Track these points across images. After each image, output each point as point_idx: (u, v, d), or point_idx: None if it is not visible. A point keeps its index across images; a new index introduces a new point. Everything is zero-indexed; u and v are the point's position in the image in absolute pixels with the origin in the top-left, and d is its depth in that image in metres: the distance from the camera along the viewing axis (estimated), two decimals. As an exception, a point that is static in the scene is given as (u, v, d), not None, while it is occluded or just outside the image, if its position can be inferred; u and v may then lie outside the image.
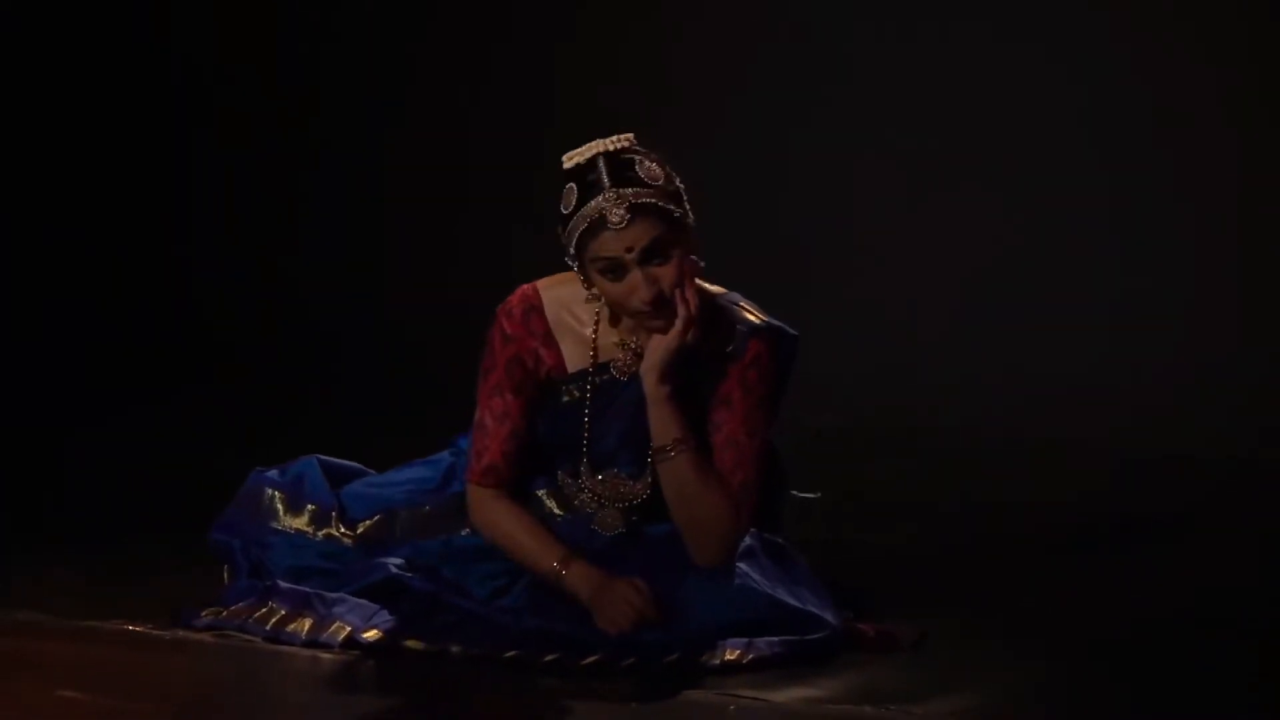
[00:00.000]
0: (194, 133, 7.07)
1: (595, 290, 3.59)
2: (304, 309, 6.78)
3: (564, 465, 3.72)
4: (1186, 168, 5.94)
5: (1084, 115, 6.04)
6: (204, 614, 3.69)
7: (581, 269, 3.56)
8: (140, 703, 3.32)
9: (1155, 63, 5.96)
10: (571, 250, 3.54)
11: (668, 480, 3.60)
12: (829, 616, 3.52)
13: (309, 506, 3.90)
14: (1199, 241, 5.94)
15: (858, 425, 5.66)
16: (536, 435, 3.71)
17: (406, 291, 6.72)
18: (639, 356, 3.62)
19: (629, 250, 3.49)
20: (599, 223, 3.49)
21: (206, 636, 3.62)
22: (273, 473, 3.97)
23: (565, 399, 3.68)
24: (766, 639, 3.44)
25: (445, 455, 3.93)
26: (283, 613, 3.63)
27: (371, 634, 3.55)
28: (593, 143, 3.56)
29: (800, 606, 3.50)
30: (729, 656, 3.42)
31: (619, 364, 3.67)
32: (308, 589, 3.66)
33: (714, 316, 3.61)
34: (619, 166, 3.51)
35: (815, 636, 3.47)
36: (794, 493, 3.94)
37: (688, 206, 3.55)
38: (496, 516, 3.69)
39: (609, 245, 3.49)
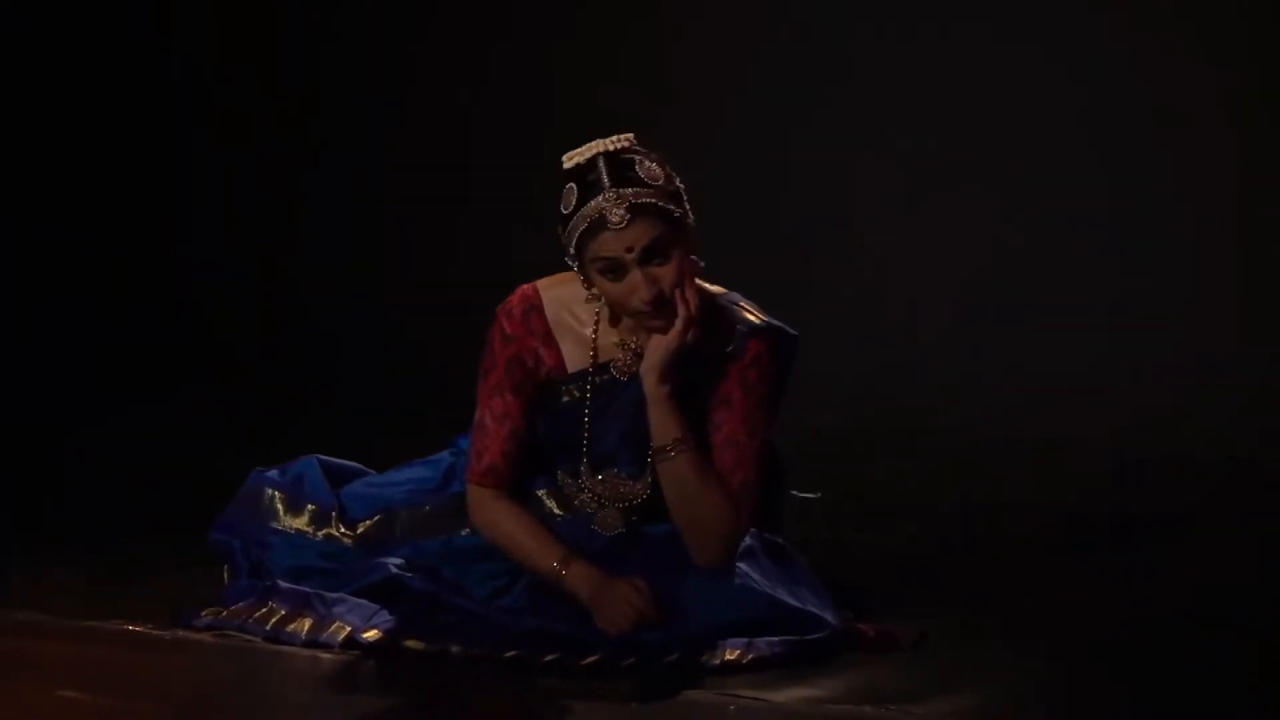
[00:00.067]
0: (194, 133, 7.07)
1: (595, 290, 3.59)
2: (304, 309, 6.78)
3: (564, 465, 3.72)
4: (1186, 168, 5.94)
5: (1084, 115, 6.04)
6: (204, 614, 3.69)
7: (581, 269, 3.56)
8: (140, 703, 3.32)
9: (1155, 63, 5.96)
10: (571, 250, 3.54)
11: (668, 480, 3.60)
12: (829, 616, 3.52)
13: (309, 506, 3.90)
14: (1199, 241, 5.94)
15: (858, 425, 5.66)
16: (536, 435, 3.71)
17: (406, 291, 6.72)
18: (639, 356, 3.62)
19: (629, 250, 3.49)
20: (599, 223, 3.49)
21: (206, 636, 3.62)
22: (273, 473, 3.97)
23: (565, 399, 3.68)
24: (766, 639, 3.44)
25: (445, 455, 3.93)
26: (283, 613, 3.63)
27: (371, 634, 3.55)
28: (593, 143, 3.55)
29: (800, 606, 3.50)
30: (729, 656, 3.42)
31: (619, 364, 3.67)
32: (308, 589, 3.66)
33: (714, 316, 3.61)
34: (619, 166, 3.51)
35: (815, 636, 3.47)
36: (794, 493, 3.94)
37: (688, 206, 3.55)
38: (496, 516, 3.69)
39: (609, 245, 3.49)
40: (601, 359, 3.67)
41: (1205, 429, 5.49)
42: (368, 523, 3.87)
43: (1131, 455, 5.33)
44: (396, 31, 6.88)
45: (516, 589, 3.65)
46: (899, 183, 6.21)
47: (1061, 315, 5.99)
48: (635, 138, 3.57)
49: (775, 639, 3.45)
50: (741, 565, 3.52)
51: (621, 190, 3.49)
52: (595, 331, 3.67)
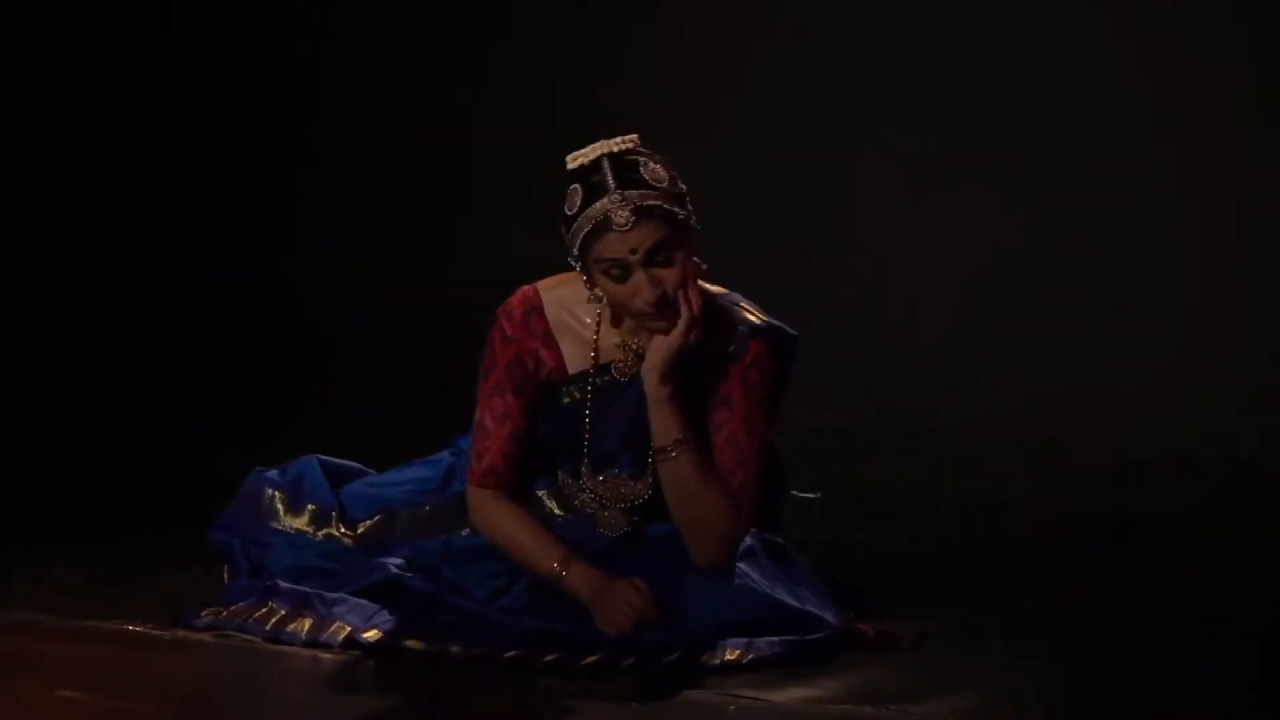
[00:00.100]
0: (194, 133, 7.07)
1: (597, 290, 3.59)
2: (304, 309, 6.78)
3: (565, 466, 3.72)
4: (1186, 168, 5.93)
5: (1084, 115, 6.04)
6: (204, 614, 3.69)
7: (584, 269, 3.56)
8: (140, 703, 3.32)
9: (1155, 63, 5.96)
10: (575, 251, 3.54)
11: (668, 481, 3.60)
12: (829, 616, 3.52)
13: (309, 506, 3.90)
14: (1199, 241, 5.94)
15: (858, 425, 5.66)
16: (537, 436, 3.71)
17: (406, 291, 6.72)
18: (640, 357, 3.62)
19: (633, 252, 3.49)
20: (604, 224, 3.49)
21: (206, 636, 3.62)
22: (273, 473, 3.97)
23: (566, 400, 3.68)
24: (766, 639, 3.44)
25: (445, 455, 3.93)
26: (283, 613, 3.63)
27: (371, 634, 3.55)
28: (597, 143, 3.55)
29: (800, 606, 3.50)
30: (729, 656, 3.42)
31: (620, 365, 3.67)
32: (308, 589, 3.66)
33: (715, 317, 3.61)
34: (624, 168, 3.51)
35: (815, 636, 3.48)
36: (794, 493, 3.94)
37: (691, 208, 3.55)
38: (497, 517, 3.69)
39: (613, 247, 3.49)
40: (602, 360, 3.67)
41: (1205, 429, 5.49)
42: (368, 523, 3.87)
43: (1131, 455, 5.33)
44: (396, 31, 6.88)
45: (516, 589, 3.65)
46: (899, 183, 6.21)
47: (1061, 315, 5.99)
48: (640, 139, 3.57)
49: (775, 639, 3.45)
50: (741, 565, 3.52)
51: (627, 192, 3.49)
52: (597, 332, 3.67)
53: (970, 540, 4.53)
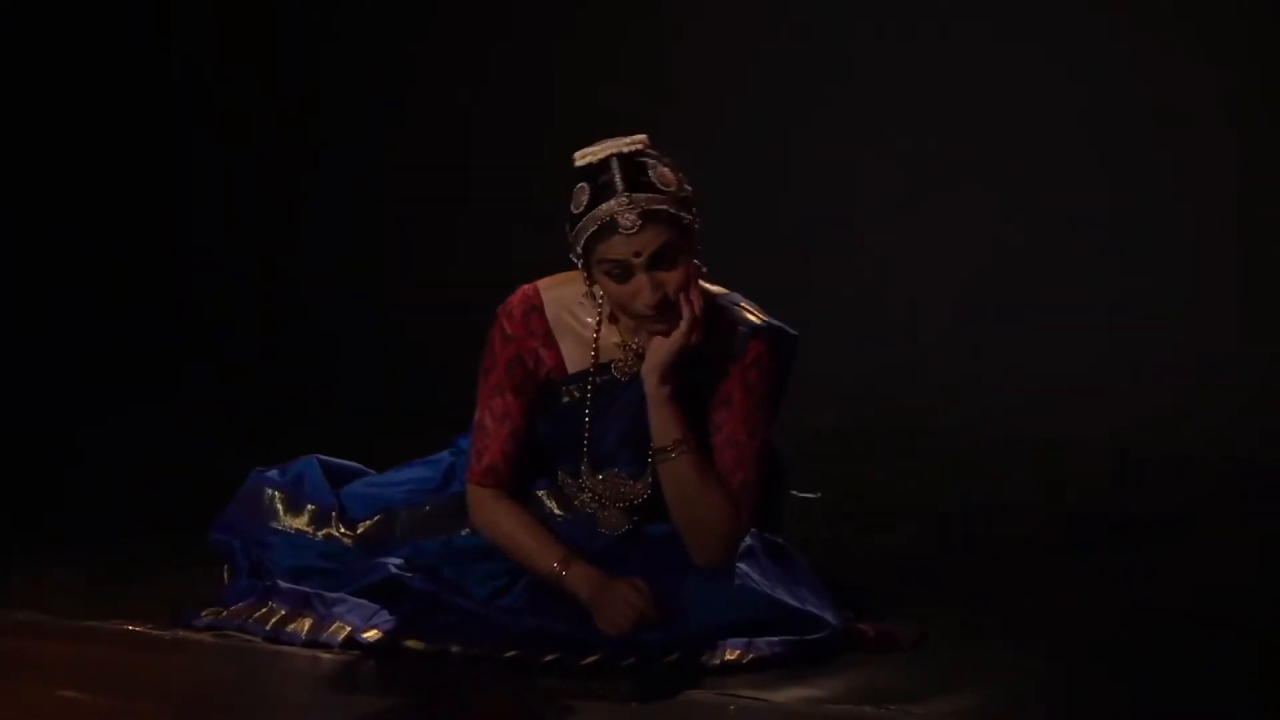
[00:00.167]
0: (194, 133, 7.07)
1: (596, 288, 3.59)
2: (304, 309, 6.77)
3: (564, 465, 3.72)
4: (1186, 168, 5.93)
5: (1084, 115, 6.04)
6: (204, 614, 3.69)
7: (586, 267, 3.55)
8: (140, 703, 3.32)
9: (1155, 63, 5.96)
10: (578, 249, 3.54)
11: (668, 481, 3.59)
12: (829, 616, 3.52)
13: (309, 506, 3.90)
14: (1199, 241, 5.93)
15: (858, 425, 5.66)
16: (537, 436, 3.71)
17: (406, 291, 6.72)
18: (640, 357, 3.62)
19: (637, 255, 3.49)
20: (610, 226, 3.48)
21: (206, 636, 3.63)
22: (273, 473, 3.97)
23: (565, 399, 3.68)
24: (766, 639, 3.45)
25: (445, 455, 3.93)
26: (283, 613, 3.63)
27: (371, 634, 3.55)
28: (607, 142, 3.54)
29: (800, 606, 3.50)
30: (729, 656, 3.42)
31: (619, 364, 3.67)
32: (308, 589, 3.66)
33: (715, 317, 3.61)
34: (633, 170, 3.50)
35: (815, 636, 3.48)
36: (794, 493, 3.93)
37: (696, 213, 3.54)
38: (496, 517, 3.69)
39: (618, 249, 3.49)
40: (602, 359, 3.67)
41: (1205, 429, 5.48)
42: (368, 523, 3.87)
43: (1131, 455, 5.33)
44: (396, 31, 6.88)
45: (516, 589, 3.65)
46: (899, 183, 6.21)
47: (1061, 315, 5.99)
48: (648, 139, 3.56)
49: (775, 639, 3.45)
50: (741, 565, 3.52)
51: (635, 195, 3.49)
52: (596, 332, 3.67)
53: (970, 540, 4.53)
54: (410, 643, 3.52)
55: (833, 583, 3.65)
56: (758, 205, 6.28)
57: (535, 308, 3.69)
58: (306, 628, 3.58)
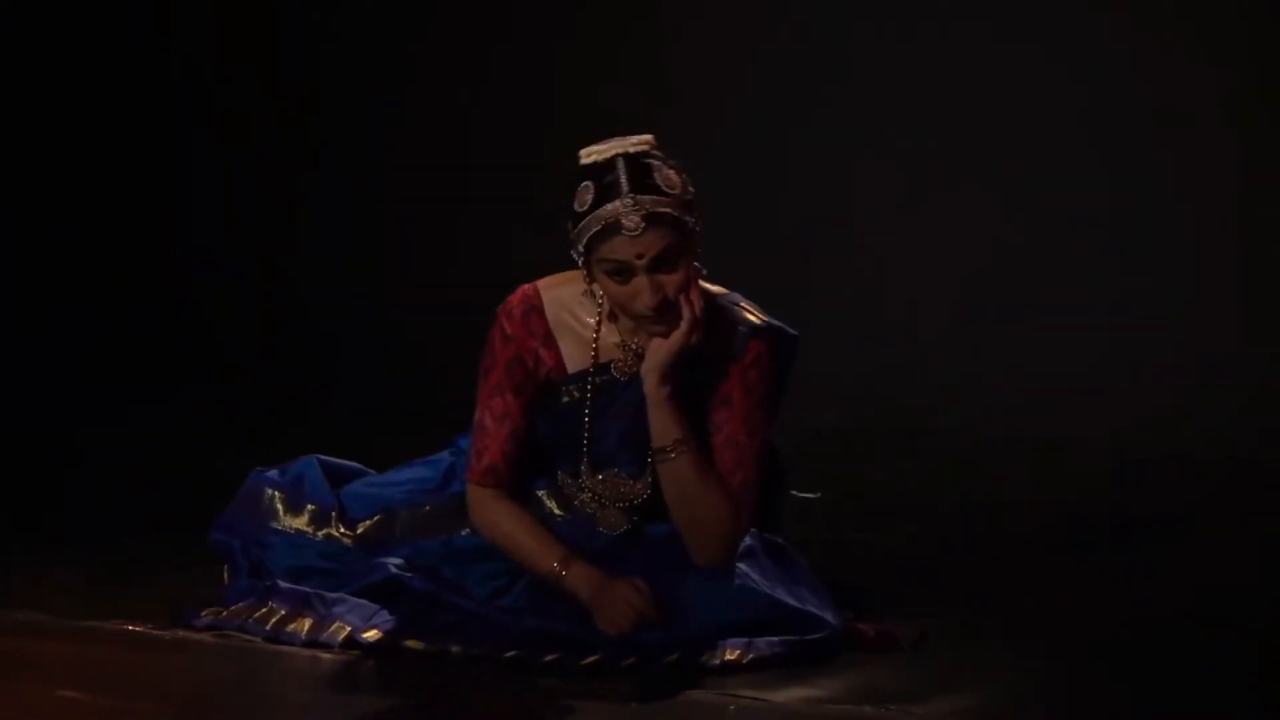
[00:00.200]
0: (194, 133, 7.07)
1: (595, 286, 3.59)
2: (304, 309, 6.77)
3: (564, 466, 3.72)
4: (1186, 168, 5.93)
5: (1084, 115, 6.04)
6: (204, 614, 3.69)
7: (586, 266, 3.55)
8: (140, 703, 3.32)
9: (1155, 63, 5.96)
10: (580, 248, 3.53)
11: (668, 481, 3.59)
12: (829, 616, 3.52)
13: (309, 506, 3.90)
14: (1199, 241, 5.93)
15: (858, 425, 5.66)
16: (537, 436, 3.71)
17: (406, 291, 6.72)
18: (639, 357, 3.62)
19: (639, 257, 3.48)
20: (613, 227, 3.48)
21: (206, 636, 3.63)
22: (273, 473, 3.97)
23: (565, 399, 3.68)
24: (766, 639, 3.44)
25: (445, 455, 3.93)
26: (283, 613, 3.63)
27: (371, 634, 3.55)
28: (613, 141, 3.54)
29: (800, 606, 3.50)
30: (729, 656, 3.42)
31: (619, 364, 3.67)
32: (308, 589, 3.66)
33: (715, 317, 3.61)
34: (638, 171, 3.50)
35: (815, 636, 3.47)
36: (794, 493, 3.94)
37: (698, 215, 3.54)
38: (496, 517, 3.69)
39: (620, 250, 3.49)
40: (602, 359, 3.67)
41: (1205, 429, 5.48)
42: (368, 523, 3.87)
43: (1131, 455, 5.33)
44: (396, 31, 6.88)
45: (516, 589, 3.65)
46: (899, 183, 6.21)
47: (1061, 315, 5.99)
48: (654, 140, 3.56)
49: (775, 639, 3.45)
50: (741, 565, 3.52)
51: (639, 197, 3.48)
52: (596, 332, 3.67)
53: (970, 540, 4.53)
54: (410, 643, 3.52)
55: (833, 583, 3.65)
56: (758, 205, 6.28)
57: (535, 308, 3.68)
58: (306, 628, 3.58)
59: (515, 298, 3.70)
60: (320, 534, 3.87)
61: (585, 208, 3.51)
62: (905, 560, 4.35)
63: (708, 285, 3.64)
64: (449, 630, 3.54)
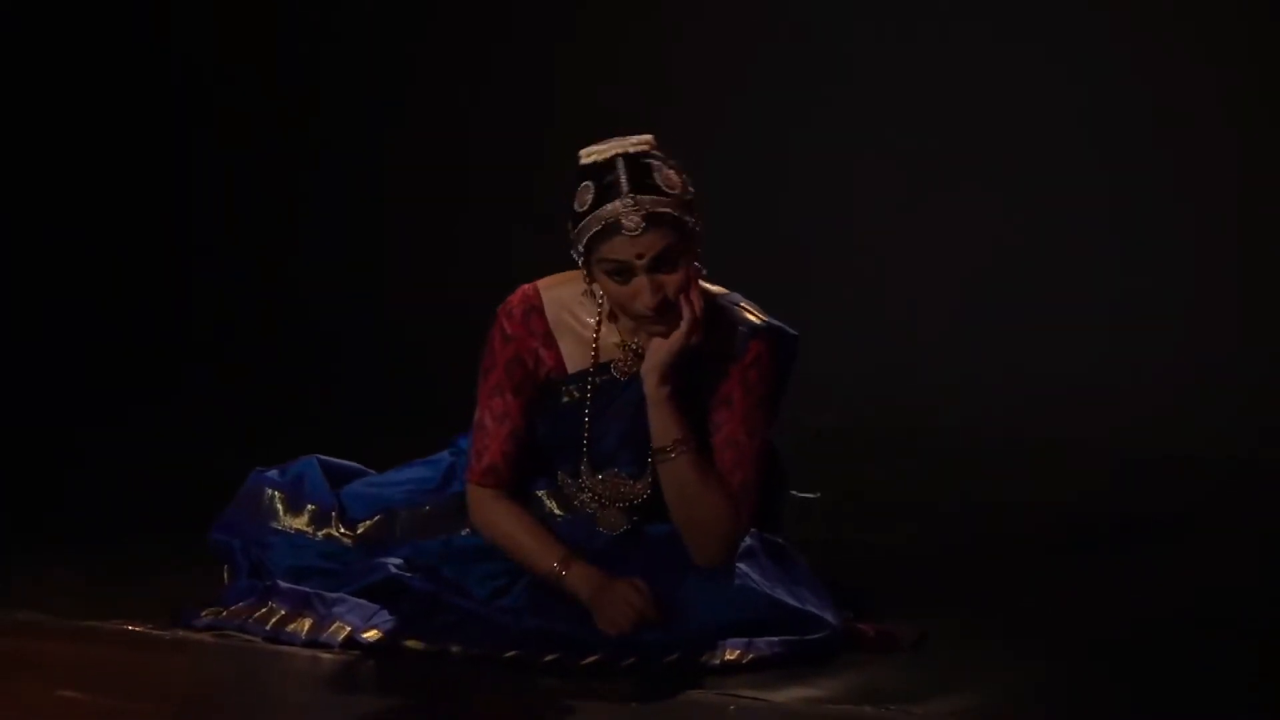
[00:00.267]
0: (194, 133, 7.07)
1: (595, 286, 3.59)
2: (304, 309, 6.77)
3: (564, 466, 3.71)
4: (1186, 168, 5.93)
5: (1084, 115, 6.04)
6: (204, 614, 3.69)
7: (586, 266, 3.55)
8: (140, 703, 3.32)
9: (1155, 63, 5.96)
10: (580, 248, 3.53)
11: (668, 481, 3.59)
12: (829, 616, 3.52)
13: (309, 506, 3.90)
14: (1199, 241, 5.93)
15: (858, 425, 5.66)
16: (536, 436, 3.71)
17: (406, 291, 6.72)
18: (639, 357, 3.62)
19: (639, 257, 3.48)
20: (613, 227, 3.48)
21: (206, 636, 3.63)
22: (273, 473, 3.97)
23: (565, 399, 3.68)
24: (766, 639, 3.44)
25: (445, 455, 3.93)
26: (283, 613, 3.63)
27: (371, 634, 3.55)
28: (613, 141, 3.54)
29: (800, 606, 3.50)
30: (729, 656, 3.42)
31: (619, 364, 3.67)
32: (308, 589, 3.66)
33: (715, 317, 3.61)
34: (639, 171, 3.50)
35: (815, 636, 3.48)
36: (794, 493, 3.93)
37: (698, 215, 3.54)
38: (496, 517, 3.69)
39: (620, 250, 3.49)
40: (602, 359, 3.67)
41: (1205, 429, 5.48)
42: (368, 523, 3.87)
43: (1131, 455, 5.33)
44: (396, 31, 6.88)
45: (516, 589, 3.65)
46: (899, 183, 6.21)
47: (1061, 315, 5.99)
48: (654, 140, 3.56)
49: (775, 639, 3.45)
50: (741, 565, 3.52)
51: (640, 198, 3.48)
52: (596, 332, 3.67)
53: (970, 540, 4.53)
54: (410, 643, 3.52)
55: (833, 583, 3.65)
56: (758, 205, 6.28)
57: (535, 307, 3.68)
58: (306, 628, 3.58)
59: (515, 298, 3.70)
60: (320, 534, 3.87)
61: (585, 208, 3.51)
62: (905, 560, 4.35)
63: (708, 285, 3.64)
64: (449, 630, 3.54)
